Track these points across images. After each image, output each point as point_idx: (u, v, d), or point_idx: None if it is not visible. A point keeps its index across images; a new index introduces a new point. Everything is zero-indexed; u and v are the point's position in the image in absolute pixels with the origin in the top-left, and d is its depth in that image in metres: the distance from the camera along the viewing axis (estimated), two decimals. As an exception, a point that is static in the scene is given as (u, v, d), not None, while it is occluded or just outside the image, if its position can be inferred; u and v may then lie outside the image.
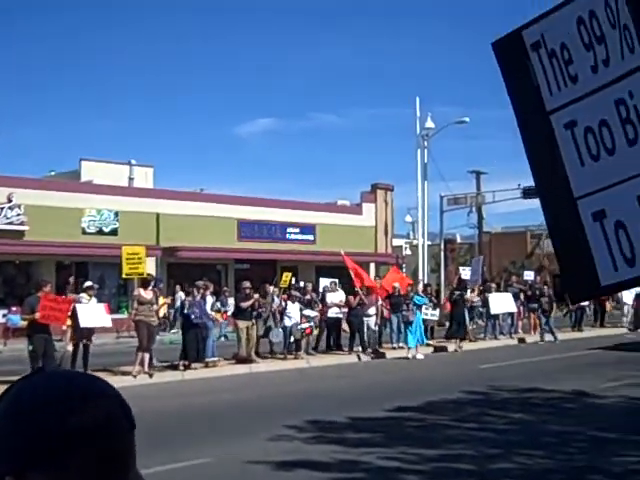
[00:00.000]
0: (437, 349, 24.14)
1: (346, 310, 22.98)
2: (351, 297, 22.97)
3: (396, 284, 23.94)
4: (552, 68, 2.39)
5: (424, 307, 23.59)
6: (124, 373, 17.79)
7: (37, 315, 15.99)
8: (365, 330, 22.54)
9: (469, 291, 27.36)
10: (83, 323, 17.17)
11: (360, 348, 22.29)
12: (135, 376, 17.41)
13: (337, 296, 23.37)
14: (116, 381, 17.19)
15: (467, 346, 25.01)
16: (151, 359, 18.25)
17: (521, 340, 27.12)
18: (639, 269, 2.23)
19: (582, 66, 2.31)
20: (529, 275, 34.78)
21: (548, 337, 26.78)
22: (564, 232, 2.45)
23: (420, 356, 22.20)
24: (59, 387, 1.22)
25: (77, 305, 17.34)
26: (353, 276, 23.22)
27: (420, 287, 25.68)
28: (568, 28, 2.32)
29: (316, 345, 22.58)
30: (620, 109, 2.22)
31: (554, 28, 2.37)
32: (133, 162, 36.85)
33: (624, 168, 2.23)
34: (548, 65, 2.40)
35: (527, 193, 39.13)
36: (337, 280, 24.52)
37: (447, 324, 27.04)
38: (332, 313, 22.91)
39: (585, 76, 2.30)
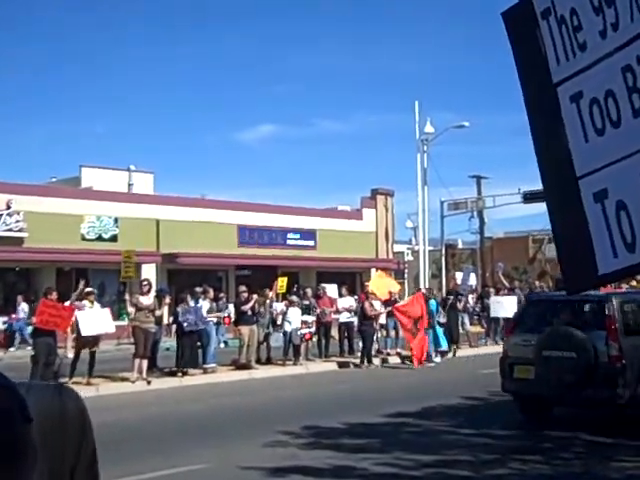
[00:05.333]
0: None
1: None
2: (367, 306, 22.08)
3: (393, 289, 23.94)
4: (561, 36, 2.34)
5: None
6: (123, 379, 17.76)
7: (34, 319, 15.97)
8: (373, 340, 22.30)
9: (469, 297, 27.39)
10: (85, 332, 17.08)
11: (365, 360, 21.48)
12: (133, 382, 17.36)
13: (347, 301, 23.41)
14: (115, 387, 17.20)
15: (467, 351, 24.96)
16: (152, 365, 18.21)
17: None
18: (639, 255, 2.13)
19: (591, 32, 2.25)
20: (469, 277, 32.62)
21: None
22: (564, 216, 2.37)
23: (437, 360, 22.42)
24: None
25: (78, 313, 17.26)
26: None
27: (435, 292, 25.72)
28: None
29: (321, 352, 22.49)
30: (627, 77, 2.15)
31: None
32: (132, 168, 36.88)
33: (629, 142, 2.15)
34: (557, 33, 2.34)
35: (527, 198, 39.10)
36: (335, 285, 24.59)
37: None
38: (344, 318, 22.89)
39: (594, 42, 2.24)
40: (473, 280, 31.42)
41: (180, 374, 18.49)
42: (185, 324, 18.64)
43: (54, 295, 16.99)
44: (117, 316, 30.32)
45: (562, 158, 2.30)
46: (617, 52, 2.16)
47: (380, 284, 24.54)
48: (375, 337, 22.78)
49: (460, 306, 25.52)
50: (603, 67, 2.20)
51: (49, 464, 1.42)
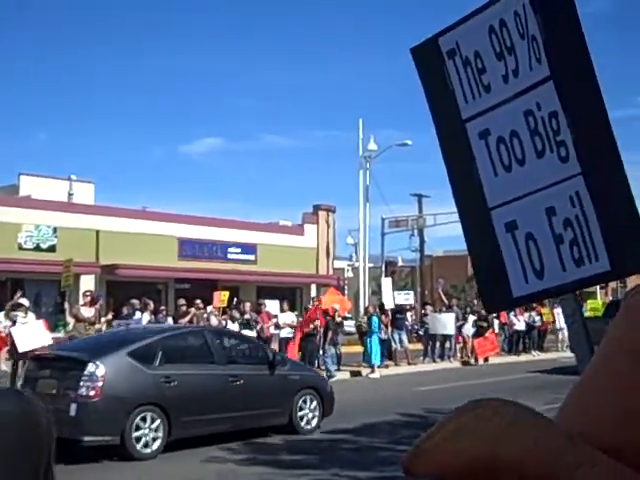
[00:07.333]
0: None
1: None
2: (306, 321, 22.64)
3: (336, 306, 24.05)
4: (467, 76, 2.42)
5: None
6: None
7: None
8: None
9: (407, 314, 27.81)
10: (22, 348, 16.20)
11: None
12: None
13: (288, 317, 23.44)
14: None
15: (406, 369, 25.17)
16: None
17: (465, 363, 27.27)
18: (548, 282, 2.27)
19: (494, 75, 2.34)
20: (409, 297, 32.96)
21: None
22: (479, 242, 2.48)
23: (376, 375, 22.86)
24: None
25: (12, 329, 16.65)
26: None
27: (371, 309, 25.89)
28: (481, 36, 2.35)
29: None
30: (529, 120, 2.26)
31: (468, 36, 2.39)
32: (73, 178, 36.38)
33: (534, 180, 2.27)
34: (463, 73, 2.42)
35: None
36: (277, 301, 24.63)
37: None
38: (284, 333, 22.92)
39: (497, 86, 2.34)
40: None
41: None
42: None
43: None
44: (53, 328, 29.82)
45: (474, 189, 2.41)
46: (519, 97, 2.27)
47: (332, 301, 24.68)
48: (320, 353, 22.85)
49: (385, 321, 25.57)
50: (507, 109, 2.31)
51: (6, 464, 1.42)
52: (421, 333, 29.21)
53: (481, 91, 2.38)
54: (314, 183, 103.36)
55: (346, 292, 43.73)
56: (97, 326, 18.01)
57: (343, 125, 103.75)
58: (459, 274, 56.54)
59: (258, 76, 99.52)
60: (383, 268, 42.18)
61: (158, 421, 11.17)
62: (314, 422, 13.27)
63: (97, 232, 33.01)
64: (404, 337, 26.49)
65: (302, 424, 13.06)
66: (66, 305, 18.65)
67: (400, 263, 57.41)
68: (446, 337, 27.32)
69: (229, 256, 37.66)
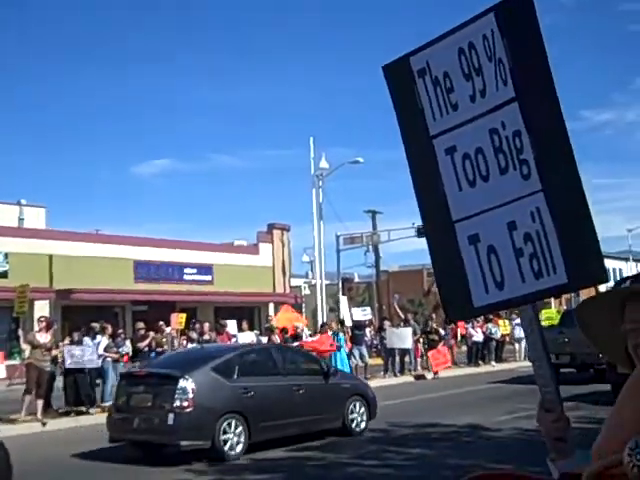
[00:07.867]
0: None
1: None
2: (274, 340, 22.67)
3: (298, 324, 24.08)
4: (436, 95, 2.52)
5: None
6: (12, 421, 16.90)
7: None
8: None
9: (367, 329, 27.79)
10: None
11: None
12: (21, 421, 16.59)
13: (247, 336, 23.39)
14: (6, 430, 16.34)
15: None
16: (48, 405, 17.57)
17: (419, 377, 27.31)
18: (507, 293, 2.37)
19: (462, 95, 2.45)
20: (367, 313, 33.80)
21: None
22: (443, 254, 2.56)
23: None
24: None
25: None
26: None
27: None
28: (451, 58, 2.46)
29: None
30: (494, 138, 2.37)
31: (438, 57, 2.50)
32: (23, 202, 35.91)
33: (496, 195, 2.38)
34: (432, 91, 2.52)
35: (421, 232, 39.76)
36: (235, 321, 24.54)
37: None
38: None
39: (464, 104, 2.45)
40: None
41: (74, 414, 17.82)
42: (68, 361, 17.98)
43: None
44: (8, 355, 29.34)
45: (439, 202, 2.51)
46: (485, 115, 2.39)
47: (285, 318, 24.66)
48: None
49: (346, 338, 25.71)
50: (473, 127, 2.42)
51: None
52: (380, 348, 29.27)
53: (449, 109, 2.48)
54: (268, 202, 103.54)
55: (304, 309, 43.70)
56: (54, 352, 17.72)
57: (294, 144, 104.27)
58: (415, 288, 56.90)
59: (208, 96, 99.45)
60: (340, 285, 42.24)
61: (240, 427, 12.53)
62: (362, 425, 14.81)
63: (50, 257, 32.61)
64: (365, 352, 26.58)
65: (353, 427, 14.61)
66: (20, 332, 18.33)
67: (356, 279, 57.57)
68: (405, 351, 27.38)
69: (185, 277, 37.48)
